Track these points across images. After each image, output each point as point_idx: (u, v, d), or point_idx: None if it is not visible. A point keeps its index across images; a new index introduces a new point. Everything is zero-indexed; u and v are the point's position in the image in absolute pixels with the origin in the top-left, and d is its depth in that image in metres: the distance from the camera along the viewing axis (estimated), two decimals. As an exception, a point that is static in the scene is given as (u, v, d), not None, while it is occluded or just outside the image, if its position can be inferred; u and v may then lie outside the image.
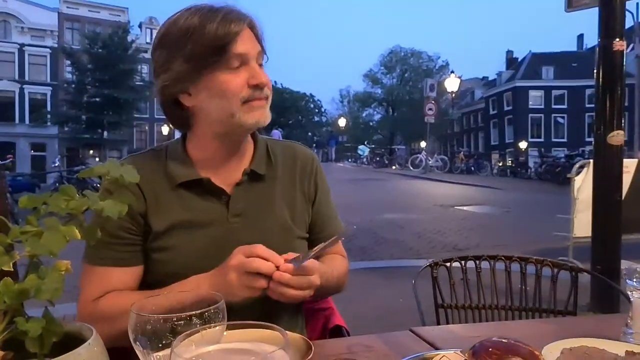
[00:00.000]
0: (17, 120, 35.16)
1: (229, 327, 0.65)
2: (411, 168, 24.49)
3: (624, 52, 3.50)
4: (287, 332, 0.96)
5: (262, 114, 1.08)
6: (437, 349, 0.97)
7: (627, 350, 0.81)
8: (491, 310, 1.76)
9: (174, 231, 1.08)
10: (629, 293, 0.92)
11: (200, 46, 1.01)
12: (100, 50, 30.45)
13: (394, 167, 27.58)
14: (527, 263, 1.75)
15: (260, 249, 0.96)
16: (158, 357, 0.64)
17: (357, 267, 5.39)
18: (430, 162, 23.75)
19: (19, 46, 35.46)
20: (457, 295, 1.76)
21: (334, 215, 1.31)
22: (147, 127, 41.09)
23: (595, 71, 3.54)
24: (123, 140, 36.18)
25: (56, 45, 35.78)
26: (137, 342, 0.65)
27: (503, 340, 0.73)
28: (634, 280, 0.90)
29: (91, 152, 34.07)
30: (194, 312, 0.66)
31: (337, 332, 1.34)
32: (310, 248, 1.27)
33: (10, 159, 17.40)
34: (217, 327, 0.64)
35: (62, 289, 0.55)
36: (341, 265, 1.27)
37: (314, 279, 0.98)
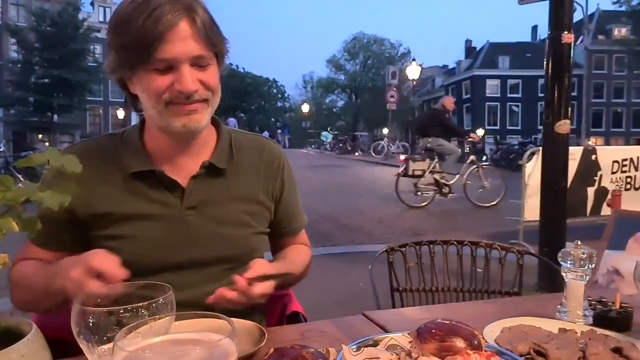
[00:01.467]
0: (-44, 102, 33.04)
1: (177, 318, 0.65)
2: (373, 154, 24.74)
3: (572, 44, 3.65)
4: (238, 319, 0.98)
5: (191, 119, 1.02)
6: (387, 332, 1.00)
7: (560, 328, 0.87)
8: (443, 293, 1.83)
9: (124, 221, 1.06)
10: (563, 274, 0.98)
11: (127, 42, 0.97)
12: (48, 29, 28.69)
13: (356, 154, 27.79)
14: (477, 247, 1.83)
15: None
16: (103, 350, 0.64)
17: (318, 253, 5.43)
18: (392, 148, 24.05)
19: (-44, 23, 33.22)
20: (412, 279, 1.82)
21: (299, 210, 1.32)
22: (100, 111, 39.46)
23: (545, 62, 3.67)
24: (75, 124, 34.65)
25: (-1, 22, 33.69)
26: (81, 336, 0.64)
27: (446, 322, 0.76)
28: (568, 262, 0.96)
29: (40, 136, 32.42)
30: (140, 304, 0.65)
31: (295, 318, 1.36)
32: (276, 242, 1.30)
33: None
34: (166, 318, 0.64)
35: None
36: (305, 257, 1.30)
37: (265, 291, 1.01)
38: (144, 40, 0.94)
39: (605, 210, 5.20)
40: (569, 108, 3.63)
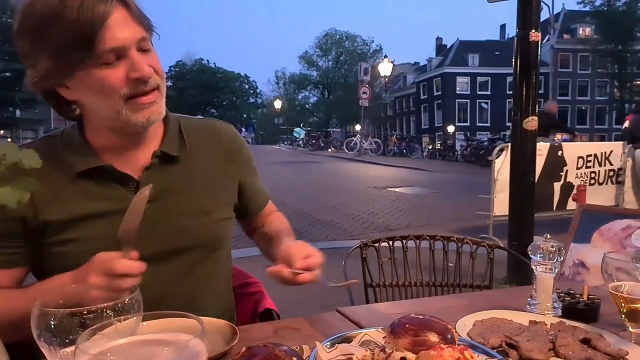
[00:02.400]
0: None
1: (145, 318, 0.63)
2: (346, 150, 24.85)
3: (539, 42, 3.73)
4: (209, 318, 0.95)
5: (153, 111, 0.98)
6: (361, 327, 1.00)
7: (530, 320, 0.88)
8: (416, 287, 1.85)
9: (77, 223, 1.00)
10: (533, 267, 0.99)
11: (64, 39, 0.88)
12: (9, 20, 27.76)
13: (329, 150, 27.84)
14: (449, 241, 1.85)
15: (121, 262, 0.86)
16: (65, 353, 0.61)
17: (291, 250, 5.42)
18: (364, 144, 24.21)
19: None
20: (385, 274, 1.83)
21: (262, 186, 1.30)
22: (67, 106, 38.37)
23: (513, 60, 3.74)
24: (39, 120, 33.49)
25: (-45, 13, 32.18)
26: (42, 339, 0.61)
27: (419, 317, 0.76)
28: (538, 255, 0.97)
29: (2, 132, 31.31)
30: (105, 304, 0.63)
31: (268, 315, 1.34)
32: (247, 222, 1.31)
33: None
34: (132, 319, 0.62)
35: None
36: (286, 222, 1.33)
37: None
38: (84, 34, 0.87)
39: (571, 205, 5.37)
40: (537, 105, 3.71)
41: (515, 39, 3.74)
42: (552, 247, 0.96)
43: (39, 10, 0.88)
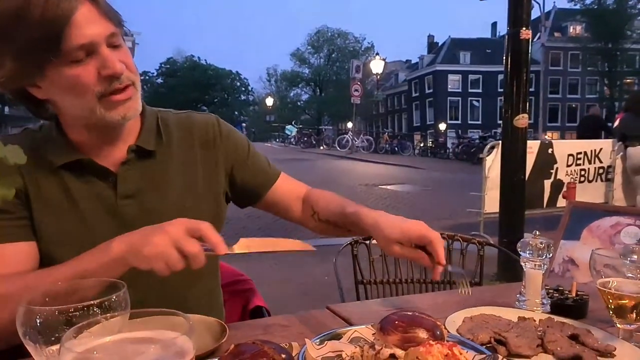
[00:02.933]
0: None
1: (132, 316, 0.62)
2: (338, 148, 24.87)
3: (530, 40, 3.75)
4: (198, 315, 0.95)
5: (129, 108, 0.96)
6: (351, 324, 1.00)
7: (519, 316, 0.89)
8: (407, 284, 1.86)
9: (59, 217, 0.99)
10: (522, 264, 1.00)
11: (29, 38, 0.85)
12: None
13: (321, 147, 27.85)
14: (440, 238, 1.86)
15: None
16: (52, 351, 0.60)
17: (283, 247, 5.42)
18: (356, 142, 24.26)
19: None
20: (376, 270, 1.83)
21: (265, 164, 1.24)
22: (57, 104, 38.11)
23: (504, 58, 3.76)
24: (27, 117, 33.10)
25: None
26: (27, 337, 0.60)
27: (408, 314, 0.76)
28: (527, 252, 0.98)
29: (-10, 128, 30.95)
30: (92, 302, 0.62)
31: (258, 312, 1.34)
32: (266, 203, 1.24)
33: None
34: (119, 317, 0.61)
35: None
36: (326, 193, 1.29)
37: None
38: (51, 32, 0.84)
39: (561, 202, 5.41)
40: (527, 102, 3.73)
41: (506, 36, 3.76)
42: (541, 243, 0.96)
43: (2, 9, 0.85)
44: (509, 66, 3.69)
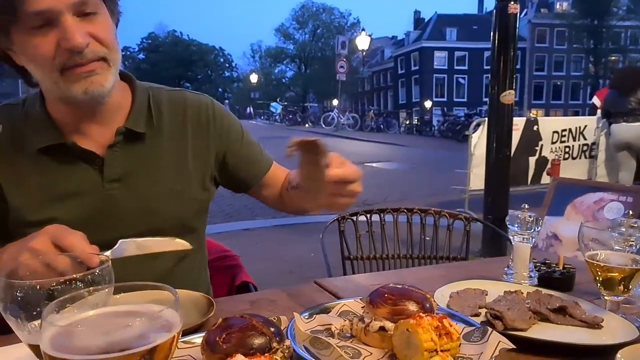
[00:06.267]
0: None
1: (116, 290, 0.60)
2: (323, 126, 24.78)
3: (518, 15, 3.72)
4: (184, 290, 0.93)
5: (92, 83, 0.87)
6: (339, 298, 0.99)
7: (505, 290, 0.89)
8: (394, 260, 1.86)
9: (42, 204, 0.94)
10: (511, 237, 1.00)
11: None
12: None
13: (306, 125, 27.73)
14: (427, 214, 1.86)
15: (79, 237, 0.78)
16: (34, 326, 0.58)
17: (269, 225, 5.41)
18: (342, 120, 24.19)
19: None
20: (363, 247, 1.84)
21: (258, 152, 1.19)
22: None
23: (492, 33, 3.74)
24: (6, 94, 32.39)
25: None
26: (8, 312, 0.58)
27: (398, 286, 0.75)
28: (515, 225, 0.98)
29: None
30: (75, 275, 0.60)
31: (245, 288, 1.33)
32: (256, 191, 1.19)
33: None
34: (103, 291, 0.59)
35: None
36: None
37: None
38: None
39: (545, 179, 5.47)
40: (514, 79, 3.72)
41: (494, 11, 3.73)
42: (530, 217, 0.96)
43: None
44: (496, 41, 3.66)
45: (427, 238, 1.84)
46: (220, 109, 1.15)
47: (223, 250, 1.42)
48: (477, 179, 5.10)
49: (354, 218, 1.85)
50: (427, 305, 0.72)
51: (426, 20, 49.76)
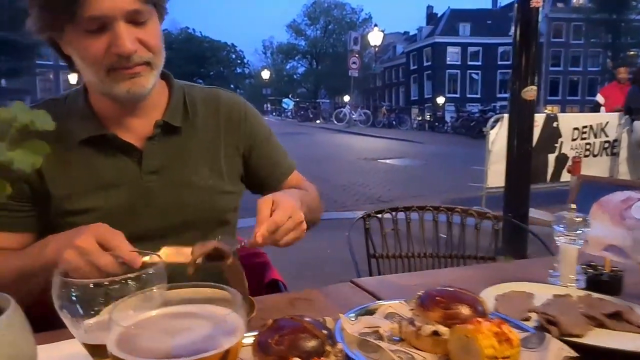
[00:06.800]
0: None
1: (170, 290, 0.60)
2: (335, 122, 24.75)
3: (540, 8, 3.65)
4: (225, 287, 0.91)
5: (134, 83, 0.93)
6: (379, 299, 0.98)
7: (554, 294, 0.86)
8: (420, 259, 1.84)
9: (82, 193, 0.98)
10: (557, 238, 0.97)
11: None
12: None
13: (318, 121, 27.71)
14: (453, 213, 1.84)
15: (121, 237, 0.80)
16: (89, 324, 0.58)
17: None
18: (354, 116, 24.11)
19: None
20: (388, 245, 1.82)
21: (281, 157, 1.23)
22: (51, 75, 37.54)
23: (513, 27, 3.68)
24: (24, 90, 32.83)
25: None
26: (64, 310, 0.58)
27: (448, 289, 0.74)
28: (561, 226, 0.95)
29: (-9, 100, 30.55)
30: (129, 275, 0.60)
31: (274, 286, 1.32)
32: (262, 193, 1.16)
33: None
34: (157, 290, 0.59)
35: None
36: (309, 186, 1.24)
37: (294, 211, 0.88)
38: None
39: (565, 176, 5.39)
40: (535, 74, 3.66)
41: (516, 5, 3.66)
42: (577, 217, 0.94)
43: None
44: (518, 36, 3.60)
45: (444, 236, 1.81)
46: (252, 110, 1.19)
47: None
48: (494, 176, 5.04)
49: (379, 215, 1.83)
50: (480, 309, 0.71)
51: (439, 15, 49.28)
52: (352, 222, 1.79)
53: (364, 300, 0.97)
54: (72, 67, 0.98)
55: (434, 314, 0.70)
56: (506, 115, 4.13)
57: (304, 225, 0.91)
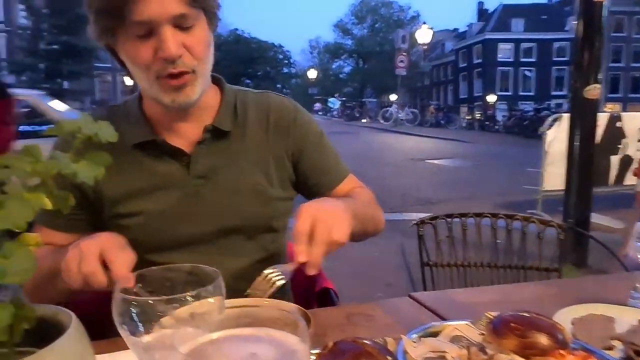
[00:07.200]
0: (-33, 69, 32.84)
1: (230, 307, 0.58)
2: (382, 121, 24.53)
3: (604, 3, 3.44)
4: (276, 301, 0.88)
5: (180, 95, 0.93)
6: (439, 316, 0.93)
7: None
8: (476, 268, 1.75)
9: (132, 197, 1.00)
10: (639, 255, 0.89)
11: (100, 5, 0.89)
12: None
13: (364, 120, 27.58)
14: (513, 220, 1.74)
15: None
16: (148, 340, 0.57)
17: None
18: (400, 115, 23.83)
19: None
20: (443, 252, 1.75)
21: (332, 163, 1.17)
22: (109, 77, 39.30)
23: (576, 23, 3.49)
24: (84, 91, 34.58)
25: (6, -12, 33.14)
26: (124, 326, 0.58)
27: (524, 314, 0.68)
28: (645, 243, 0.87)
29: (55, 101, 32.42)
30: (188, 293, 0.59)
31: (325, 294, 1.28)
32: (309, 198, 1.14)
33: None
34: (216, 307, 0.57)
35: (34, 269, 0.46)
36: (365, 195, 1.17)
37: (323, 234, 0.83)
38: (114, 2, 0.86)
39: (630, 180, 5.07)
40: (599, 72, 3.46)
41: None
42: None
43: None
44: (580, 31, 3.41)
45: (500, 241, 1.71)
46: (302, 114, 1.16)
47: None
48: (551, 179, 4.82)
49: (433, 222, 1.76)
50: (560, 338, 0.64)
51: (490, 11, 47.82)
52: (401, 225, 1.74)
53: (424, 318, 0.92)
54: (129, 73, 1.00)
55: (509, 342, 0.64)
56: (566, 115, 3.93)
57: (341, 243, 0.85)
